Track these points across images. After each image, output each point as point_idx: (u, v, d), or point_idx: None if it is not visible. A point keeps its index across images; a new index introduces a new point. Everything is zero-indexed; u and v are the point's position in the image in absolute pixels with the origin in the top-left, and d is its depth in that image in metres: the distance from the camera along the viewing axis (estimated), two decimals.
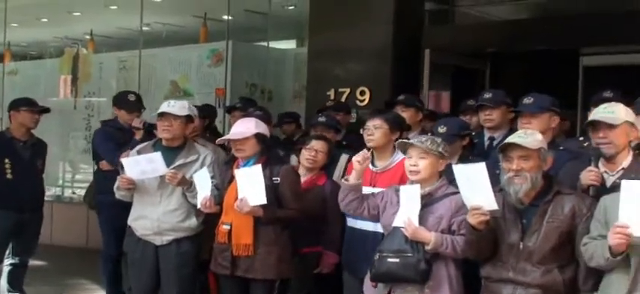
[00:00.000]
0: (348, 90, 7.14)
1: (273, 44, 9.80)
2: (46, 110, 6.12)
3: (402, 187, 3.61)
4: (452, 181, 3.54)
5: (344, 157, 4.83)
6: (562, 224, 3.25)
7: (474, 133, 4.89)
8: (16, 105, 5.94)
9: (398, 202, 3.60)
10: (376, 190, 3.99)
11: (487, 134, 4.73)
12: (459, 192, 3.42)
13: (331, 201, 4.41)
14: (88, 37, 10.68)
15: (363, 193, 3.87)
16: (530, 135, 3.37)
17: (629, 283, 2.91)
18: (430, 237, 3.45)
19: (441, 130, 4.26)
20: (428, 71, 7.00)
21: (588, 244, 3.08)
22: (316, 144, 4.69)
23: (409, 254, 3.46)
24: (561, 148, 4.05)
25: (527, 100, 4.17)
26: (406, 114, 5.15)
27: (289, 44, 10.14)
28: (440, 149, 3.59)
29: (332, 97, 7.11)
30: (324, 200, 4.56)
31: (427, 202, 3.55)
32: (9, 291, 6.11)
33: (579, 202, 3.27)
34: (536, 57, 7.45)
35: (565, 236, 3.25)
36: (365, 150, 3.93)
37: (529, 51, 7.23)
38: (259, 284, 4.23)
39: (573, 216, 3.25)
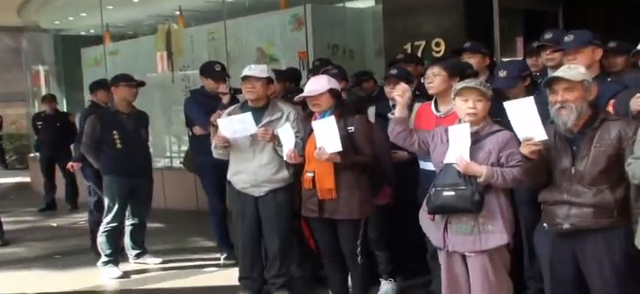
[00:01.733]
0: (423, 43, 7.31)
1: (351, 4, 9.95)
2: (142, 84, 6.62)
3: (451, 127, 3.89)
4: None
5: (417, 105, 5.01)
6: (609, 148, 3.47)
7: (537, 73, 5.18)
8: (115, 81, 6.49)
9: (448, 140, 3.88)
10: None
11: (550, 73, 4.96)
12: (503, 129, 3.70)
13: (377, 140, 4.73)
14: (177, 13, 11.02)
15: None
16: (573, 69, 3.60)
17: None
18: (482, 170, 3.74)
19: (502, 74, 4.53)
20: (498, 17, 7.15)
21: (632, 164, 3.29)
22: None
23: (463, 187, 3.74)
24: (609, 79, 4.27)
25: (568, 38, 4.38)
26: (473, 60, 5.39)
27: (366, 3, 10.22)
28: (490, 93, 3.88)
29: (409, 50, 7.26)
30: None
31: (476, 139, 3.81)
32: (132, 248, 6.77)
33: (625, 127, 3.48)
34: None
35: (613, 159, 3.46)
36: (402, 84, 4.25)
37: None
38: (346, 224, 4.63)
39: (620, 139, 3.46)
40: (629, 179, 3.40)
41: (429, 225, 4.08)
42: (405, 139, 4.20)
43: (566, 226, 3.57)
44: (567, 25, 7.32)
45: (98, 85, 7.56)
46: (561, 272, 3.70)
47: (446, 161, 3.86)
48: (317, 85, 4.66)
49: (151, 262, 6.80)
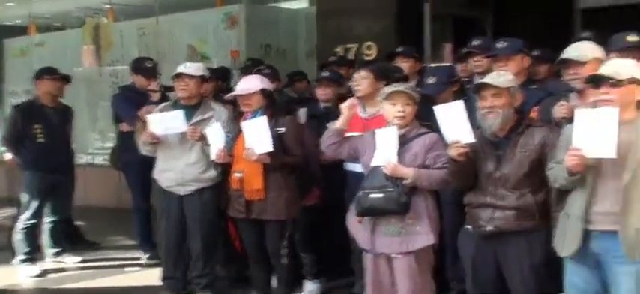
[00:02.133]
0: (355, 46, 7.36)
1: (284, 5, 9.92)
2: (67, 78, 6.45)
3: (378, 131, 3.92)
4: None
5: None
6: (532, 153, 3.56)
7: (467, 79, 5.26)
8: (39, 74, 6.33)
9: (376, 144, 3.91)
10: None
11: (478, 79, 5.04)
12: (430, 131, 3.76)
13: (308, 141, 4.76)
14: (107, 6, 10.74)
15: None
16: (501, 75, 3.69)
17: (587, 199, 3.22)
18: (409, 172, 3.80)
19: (431, 80, 4.60)
20: (429, 23, 7.25)
21: (553, 168, 3.38)
22: None
23: (390, 189, 3.79)
24: (534, 86, 4.38)
25: (501, 45, 4.48)
26: (405, 64, 5.48)
27: (300, 4, 10.20)
28: (418, 96, 3.94)
29: (341, 53, 7.30)
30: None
31: (402, 141, 3.87)
32: (51, 246, 6.56)
33: (548, 133, 3.59)
34: (535, 3, 7.64)
35: (536, 164, 3.56)
36: (353, 98, 4.27)
37: None
38: (272, 224, 4.64)
39: (543, 145, 3.56)
40: (550, 183, 3.49)
41: (357, 227, 4.09)
42: (336, 150, 4.21)
43: (489, 228, 3.65)
44: (497, 33, 7.47)
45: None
46: (483, 273, 3.77)
47: (373, 164, 3.90)
48: (249, 84, 4.64)
49: (70, 260, 6.61)
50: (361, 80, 4.55)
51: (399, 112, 3.89)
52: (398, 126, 3.87)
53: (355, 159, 4.20)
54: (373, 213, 3.90)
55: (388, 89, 3.96)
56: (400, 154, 3.84)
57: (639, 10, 6.66)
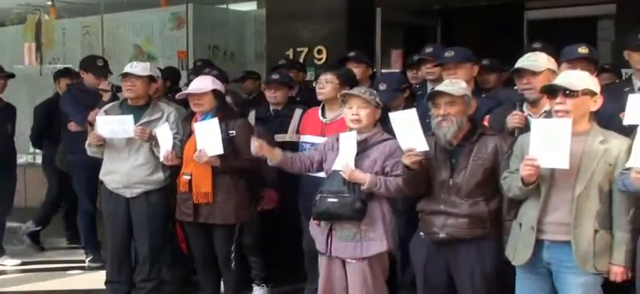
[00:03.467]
0: (305, 49, 7.36)
1: (234, 6, 9.86)
2: (11, 75, 6.30)
3: (342, 134, 3.92)
4: (390, 130, 3.84)
5: (298, 112, 5.08)
6: (486, 161, 3.59)
7: (417, 85, 5.30)
8: None
9: (338, 148, 3.91)
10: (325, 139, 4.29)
11: (430, 86, 5.08)
12: (392, 138, 3.75)
13: None
14: (49, 3, 10.54)
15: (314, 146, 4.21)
16: (455, 84, 3.71)
17: (540, 209, 3.28)
18: (365, 178, 3.79)
19: (382, 87, 4.59)
20: (380, 29, 7.29)
21: (507, 178, 3.43)
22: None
23: (346, 194, 3.79)
24: (484, 95, 4.43)
25: (449, 54, 4.53)
26: (357, 70, 5.47)
27: (249, 6, 10.19)
28: (377, 100, 3.93)
29: (291, 56, 7.30)
30: None
31: (363, 147, 3.86)
32: None
33: (501, 142, 3.62)
34: (484, 13, 7.79)
35: (489, 172, 3.58)
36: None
37: (476, 6, 7.53)
38: (220, 229, 4.57)
39: (496, 154, 3.59)
40: (503, 192, 3.53)
41: (316, 229, 4.09)
42: (304, 168, 4.20)
43: (442, 235, 3.66)
44: (445, 40, 7.58)
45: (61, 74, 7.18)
46: (434, 280, 3.78)
47: (333, 168, 3.89)
48: (201, 84, 4.57)
49: (9, 263, 6.43)
50: (326, 84, 4.53)
51: (353, 115, 3.88)
52: (355, 130, 3.86)
53: (319, 167, 4.18)
54: (329, 217, 3.90)
55: (343, 92, 3.97)
56: (360, 159, 3.83)
57: (585, 23, 6.84)
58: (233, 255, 4.62)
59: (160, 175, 4.93)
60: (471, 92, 3.93)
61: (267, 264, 5.23)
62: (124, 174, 4.94)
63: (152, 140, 4.77)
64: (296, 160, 4.20)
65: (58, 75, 7.27)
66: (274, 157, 4.10)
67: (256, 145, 4.08)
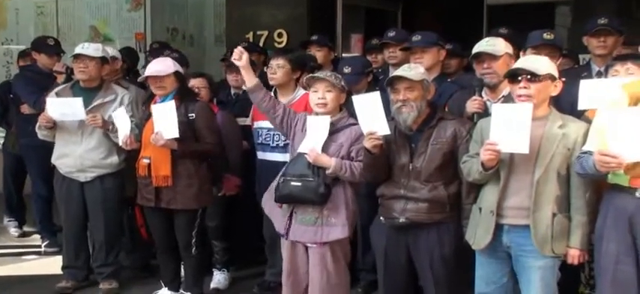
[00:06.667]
0: (266, 33, 7.34)
1: None
2: None
3: (311, 117, 3.87)
4: (353, 113, 3.82)
5: None
6: (444, 146, 3.58)
7: (379, 70, 5.29)
8: None
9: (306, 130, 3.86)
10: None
11: (392, 70, 5.08)
12: (358, 123, 3.72)
13: (225, 129, 4.68)
14: None
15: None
16: (413, 68, 3.69)
17: (499, 193, 3.30)
18: (331, 162, 3.76)
19: (346, 70, 4.57)
20: (341, 13, 7.27)
21: (467, 162, 3.44)
22: (194, 81, 4.85)
23: (310, 178, 3.76)
24: (449, 80, 4.44)
25: (416, 38, 4.52)
26: (319, 53, 5.49)
27: None
28: (342, 83, 3.89)
29: (250, 39, 7.25)
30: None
31: (330, 131, 3.81)
32: None
33: (460, 126, 3.62)
34: None
35: (448, 156, 3.59)
36: (239, 47, 4.10)
37: None
38: (182, 214, 4.49)
39: (455, 138, 3.59)
40: (462, 176, 3.55)
41: (275, 212, 4.03)
42: (270, 110, 4.05)
43: (402, 219, 3.65)
44: (405, 25, 7.58)
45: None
46: (395, 264, 3.78)
47: (299, 150, 3.85)
48: (162, 65, 4.46)
49: None
50: (277, 69, 4.49)
51: (319, 98, 3.85)
52: (322, 113, 3.82)
53: (285, 134, 4.12)
54: (291, 200, 3.87)
55: (309, 76, 3.92)
56: (326, 143, 3.79)
57: (544, 9, 6.90)
58: (194, 240, 4.55)
59: (114, 159, 4.86)
60: (438, 76, 3.93)
61: (230, 248, 5.18)
62: (77, 157, 4.86)
63: (106, 126, 4.68)
64: (269, 97, 4.07)
65: (19, 56, 7.08)
66: (250, 80, 4.02)
67: (236, 56, 3.98)
